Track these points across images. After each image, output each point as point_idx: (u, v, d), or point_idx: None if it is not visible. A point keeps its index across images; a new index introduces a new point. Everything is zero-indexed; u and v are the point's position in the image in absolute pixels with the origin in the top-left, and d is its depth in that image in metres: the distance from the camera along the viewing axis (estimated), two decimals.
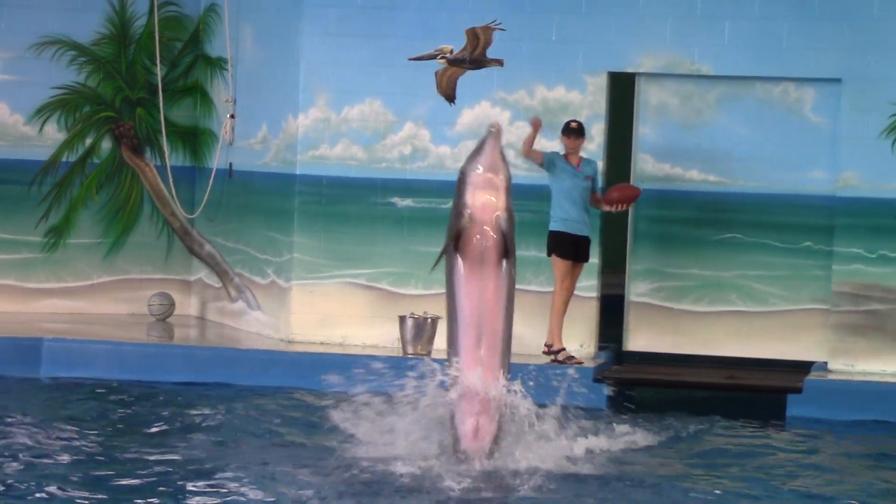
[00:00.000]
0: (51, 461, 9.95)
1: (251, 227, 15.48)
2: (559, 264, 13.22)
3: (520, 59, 13.89)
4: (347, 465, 9.95)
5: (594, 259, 13.98)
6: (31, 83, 16.01)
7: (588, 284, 14.00)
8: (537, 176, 13.82)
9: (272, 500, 8.95)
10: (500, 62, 13.42)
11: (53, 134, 16.15)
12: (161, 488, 9.26)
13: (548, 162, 13.33)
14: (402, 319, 13.71)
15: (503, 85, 14.08)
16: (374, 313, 14.37)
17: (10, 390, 12.94)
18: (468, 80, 13.49)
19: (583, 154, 13.69)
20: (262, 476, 9.53)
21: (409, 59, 13.68)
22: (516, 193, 13.29)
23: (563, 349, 13.21)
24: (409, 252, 14.39)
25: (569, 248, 13.30)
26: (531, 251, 13.67)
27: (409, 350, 13.62)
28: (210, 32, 16.31)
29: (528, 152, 13.17)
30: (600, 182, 13.83)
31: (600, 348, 13.96)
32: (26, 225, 16.00)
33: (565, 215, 13.21)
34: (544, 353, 13.38)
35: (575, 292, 13.83)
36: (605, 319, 14.35)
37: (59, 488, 9.04)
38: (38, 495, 8.92)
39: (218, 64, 16.10)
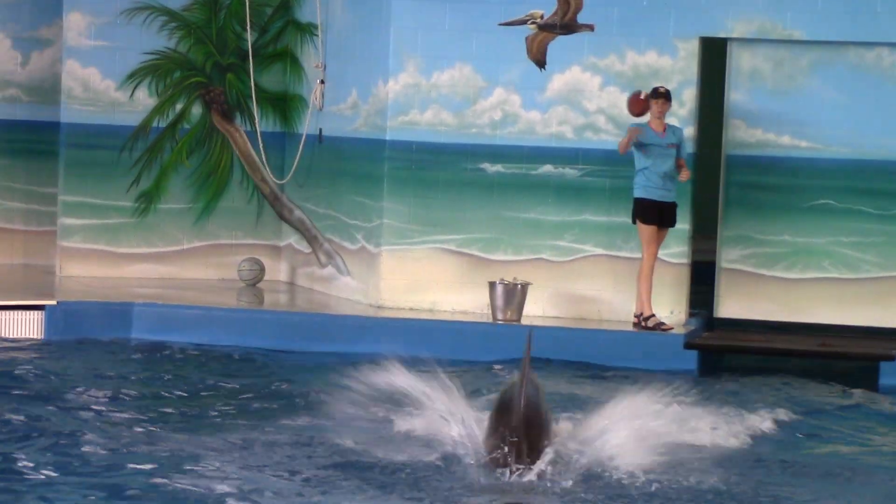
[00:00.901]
0: (138, 422, 10.25)
1: (341, 192, 15.67)
2: (644, 230, 13.46)
3: (611, 24, 14.17)
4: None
5: (685, 225, 14.14)
6: (122, 49, 16.28)
7: (679, 251, 14.15)
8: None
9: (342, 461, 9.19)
10: (591, 27, 13.90)
11: (144, 99, 16.42)
12: (242, 450, 9.52)
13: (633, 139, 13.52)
14: (491, 285, 13.89)
15: (594, 50, 14.21)
16: (463, 279, 14.54)
17: (101, 353, 13.17)
18: (559, 45, 14.29)
19: (672, 121, 13.79)
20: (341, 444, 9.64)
21: (500, 24, 14.31)
22: (603, 160, 13.89)
23: (653, 315, 13.46)
24: (499, 218, 14.53)
25: (653, 214, 13.53)
26: (620, 217, 13.87)
27: (499, 316, 13.78)
28: None
29: (624, 151, 13.40)
30: (689, 148, 13.91)
31: (691, 315, 14.08)
32: (117, 190, 16.28)
33: (648, 182, 13.46)
34: (634, 323, 13.61)
35: (666, 259, 13.97)
36: (695, 286, 14.36)
37: (146, 449, 9.31)
38: (127, 452, 9.22)
39: (308, 29, 16.28)
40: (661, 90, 13.54)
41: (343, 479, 8.90)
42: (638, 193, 13.55)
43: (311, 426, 10.34)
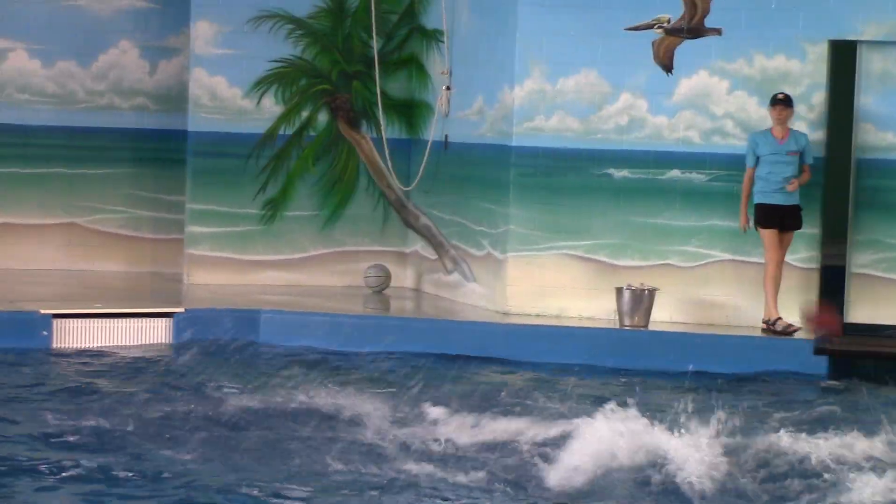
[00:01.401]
0: (264, 423, 10.37)
1: (467, 198, 15.75)
2: (765, 235, 13.66)
3: (738, 28, 14.23)
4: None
5: (814, 229, 14.15)
6: (248, 57, 16.47)
7: (808, 255, 14.19)
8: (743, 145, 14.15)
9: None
10: (718, 31, 14.05)
11: (271, 107, 16.57)
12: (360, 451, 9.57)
13: (750, 151, 13.70)
14: (618, 291, 13.99)
15: (721, 54, 14.27)
16: (590, 285, 14.58)
17: (228, 357, 13.17)
18: (686, 50, 14.48)
19: (800, 125, 13.91)
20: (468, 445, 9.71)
21: (626, 29, 14.46)
22: (731, 165, 13.96)
23: (780, 318, 13.59)
24: (626, 223, 14.61)
25: (773, 218, 13.69)
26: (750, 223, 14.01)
27: (626, 322, 13.91)
28: (425, 4, 16.63)
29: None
30: (818, 152, 13.95)
31: None
32: (244, 198, 16.49)
33: (766, 187, 13.64)
34: (763, 329, 13.69)
35: (795, 263, 14.04)
36: (825, 291, 14.16)
37: (272, 448, 9.49)
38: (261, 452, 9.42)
39: (433, 36, 16.41)
40: (780, 96, 13.69)
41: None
42: (757, 199, 13.73)
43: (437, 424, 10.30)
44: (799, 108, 14.08)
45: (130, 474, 9.18)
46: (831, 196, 14.26)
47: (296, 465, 9.35)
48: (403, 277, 16.79)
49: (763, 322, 13.76)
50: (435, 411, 10.87)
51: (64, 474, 8.93)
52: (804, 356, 13.28)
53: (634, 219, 14.60)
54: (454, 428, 10.25)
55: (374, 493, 8.99)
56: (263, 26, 16.47)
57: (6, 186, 17.07)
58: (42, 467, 9.17)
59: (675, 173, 14.60)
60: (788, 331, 13.52)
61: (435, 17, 16.28)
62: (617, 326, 14.05)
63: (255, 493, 8.74)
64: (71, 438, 9.84)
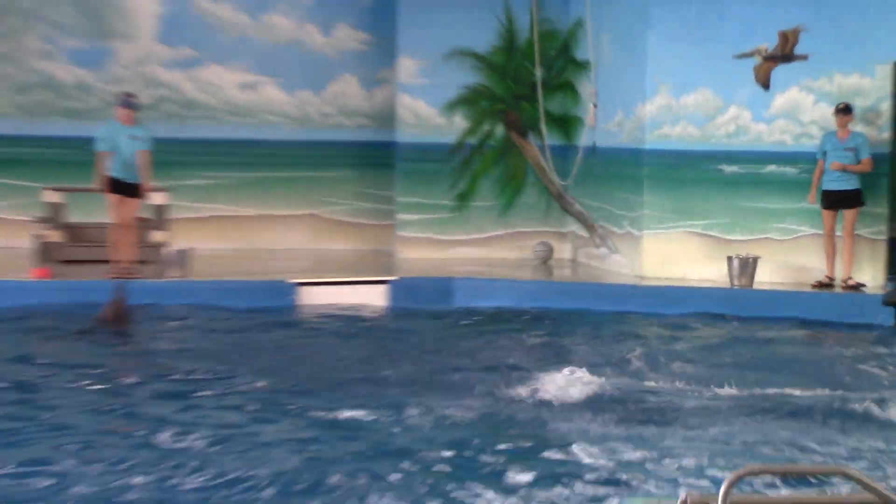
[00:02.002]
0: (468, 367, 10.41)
1: (610, 190, 15.90)
2: (824, 214, 13.96)
3: (822, 53, 14.32)
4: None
5: (883, 208, 14.22)
6: (442, 85, 16.88)
7: (877, 229, 14.28)
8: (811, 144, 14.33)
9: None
10: (805, 57, 14.32)
11: (459, 123, 17.04)
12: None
13: (820, 148, 14.00)
14: (729, 259, 14.14)
15: (808, 74, 14.44)
16: (707, 255, 14.69)
17: (430, 316, 13.43)
18: (780, 72, 14.63)
19: (863, 128, 14.13)
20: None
21: (734, 56, 14.60)
22: (815, 161, 13.97)
23: (832, 278, 13.91)
24: (734, 207, 14.77)
25: (828, 200, 13.97)
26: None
27: (735, 283, 14.03)
28: (577, 41, 16.82)
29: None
30: (882, 148, 14.04)
31: (889, 279, 14.06)
32: (440, 192, 17.01)
33: (828, 176, 13.94)
34: (842, 287, 13.80)
35: (867, 235, 14.15)
36: (893, 258, 14.27)
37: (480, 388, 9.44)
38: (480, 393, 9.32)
39: (583, 65, 16.59)
40: (841, 106, 13.90)
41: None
42: (822, 186, 13.98)
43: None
44: (868, 115, 14.29)
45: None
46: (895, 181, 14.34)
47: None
48: (563, 251, 17.11)
49: (842, 280, 13.87)
50: (582, 349, 11.34)
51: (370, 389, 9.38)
52: (875, 308, 13.26)
53: (741, 203, 14.75)
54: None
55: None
56: (453, 61, 16.88)
57: (262, 187, 17.57)
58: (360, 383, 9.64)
59: (772, 168, 14.73)
60: (859, 288, 13.74)
61: (584, 50, 16.41)
62: (728, 286, 14.16)
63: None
64: (350, 369, 10.26)
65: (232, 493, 6.95)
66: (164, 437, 8.00)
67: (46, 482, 7.06)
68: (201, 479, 7.17)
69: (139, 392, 9.45)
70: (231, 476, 7.18)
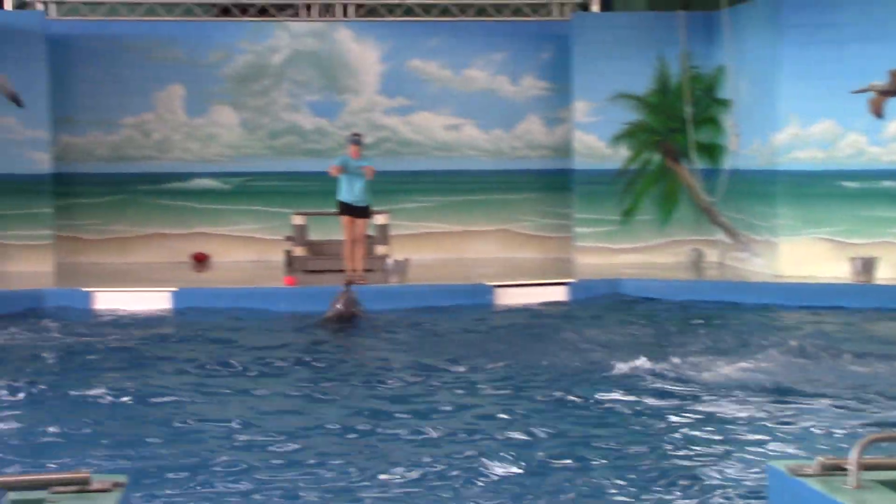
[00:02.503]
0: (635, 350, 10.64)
1: (750, 203, 15.91)
2: None
3: None
4: None
5: None
6: (610, 121, 17.12)
7: None
8: None
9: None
10: None
11: (623, 152, 17.23)
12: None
13: None
14: (852, 260, 14.34)
15: None
16: (833, 257, 14.68)
17: (599, 306, 13.67)
18: (891, 103, 14.72)
19: None
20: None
21: (852, 92, 14.71)
22: None
23: None
24: (855, 216, 14.80)
25: None
26: None
27: (858, 280, 14.16)
28: (719, 82, 16.89)
29: None
30: None
31: None
32: (609, 209, 17.18)
33: None
34: None
35: None
36: None
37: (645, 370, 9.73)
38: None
39: (725, 102, 16.74)
40: None
41: None
42: None
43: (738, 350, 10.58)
44: None
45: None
46: None
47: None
48: (712, 255, 17.04)
49: None
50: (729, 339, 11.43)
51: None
52: None
53: (860, 213, 14.81)
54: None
55: None
56: (618, 102, 17.09)
57: (463, 208, 17.91)
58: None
59: (886, 183, 14.80)
60: None
61: (725, 90, 16.64)
62: (852, 282, 14.24)
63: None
64: (546, 353, 10.54)
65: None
66: (448, 406, 8.62)
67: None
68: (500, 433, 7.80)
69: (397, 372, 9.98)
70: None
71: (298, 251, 15.76)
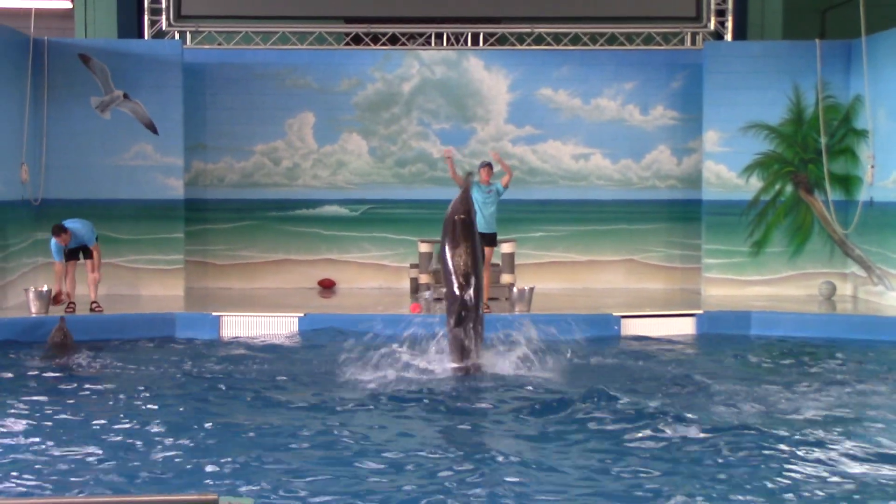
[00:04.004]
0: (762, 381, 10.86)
1: (886, 236, 15.90)
2: None
3: None
4: None
5: None
6: (740, 152, 17.15)
7: None
8: None
9: None
10: None
11: (755, 183, 17.21)
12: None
13: None
14: None
15: None
16: None
17: (730, 343, 13.51)
18: None
19: None
20: None
21: None
22: None
23: None
24: None
25: None
26: None
27: None
28: (856, 113, 16.85)
29: None
30: None
31: None
32: (738, 240, 17.18)
33: None
34: None
35: None
36: None
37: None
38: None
39: (862, 133, 16.70)
40: None
41: None
42: None
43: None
44: None
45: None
46: None
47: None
48: (845, 289, 17.07)
49: None
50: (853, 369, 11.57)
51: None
52: None
53: None
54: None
55: None
56: (749, 132, 17.15)
57: (590, 237, 18.05)
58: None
59: None
60: None
61: (862, 120, 16.61)
62: None
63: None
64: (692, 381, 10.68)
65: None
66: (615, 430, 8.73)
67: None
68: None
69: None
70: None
71: (424, 278, 16.09)
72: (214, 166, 18.35)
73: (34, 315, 14.54)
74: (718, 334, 14.24)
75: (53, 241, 14.69)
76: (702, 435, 8.65)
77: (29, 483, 7.56)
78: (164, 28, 18.37)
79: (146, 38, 18.23)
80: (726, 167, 17.27)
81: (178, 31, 18.43)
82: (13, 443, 8.75)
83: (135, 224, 17.25)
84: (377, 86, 18.32)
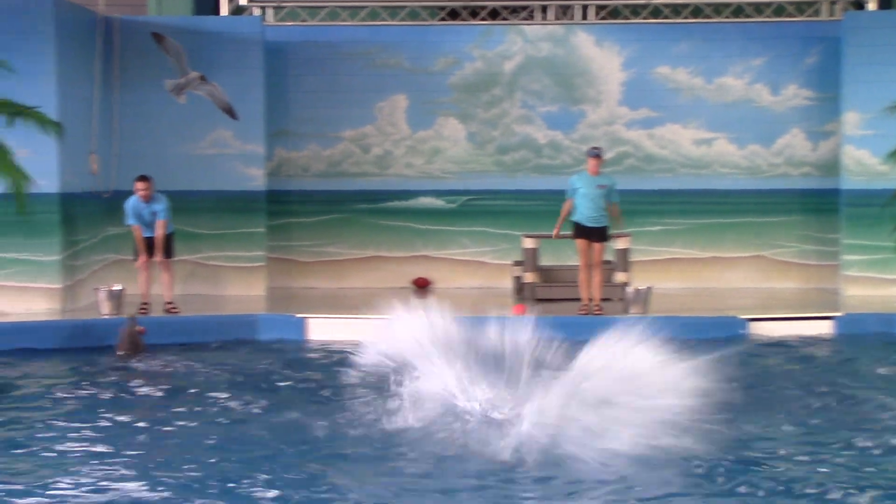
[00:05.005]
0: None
1: None
2: None
3: None
4: None
5: None
6: (886, 135, 16.69)
7: None
8: None
9: None
10: None
11: None
12: None
13: None
14: None
15: None
16: None
17: (876, 349, 13.42)
18: None
19: None
20: None
21: None
22: None
23: None
24: None
25: None
26: None
27: None
28: None
29: None
30: None
31: None
32: (883, 234, 16.66)
33: None
34: None
35: None
36: None
37: None
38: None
39: None
40: None
41: None
42: None
43: None
44: None
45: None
46: None
47: None
48: None
49: None
50: None
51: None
52: None
53: None
54: None
55: None
56: None
57: (713, 231, 17.94)
58: None
59: None
60: None
61: None
62: None
63: None
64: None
65: None
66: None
67: None
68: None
69: None
70: None
71: (529, 277, 15.99)
72: (298, 154, 18.31)
73: (105, 316, 14.62)
74: (861, 339, 14.02)
75: (131, 198, 14.87)
76: None
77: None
78: (243, 4, 18.31)
79: (224, 14, 18.19)
80: (869, 152, 17.10)
81: (259, 7, 18.34)
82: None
83: (213, 218, 17.29)
84: (476, 65, 18.25)
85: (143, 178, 14.92)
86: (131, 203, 14.94)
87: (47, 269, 15.32)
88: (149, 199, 14.92)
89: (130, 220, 14.97)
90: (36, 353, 13.45)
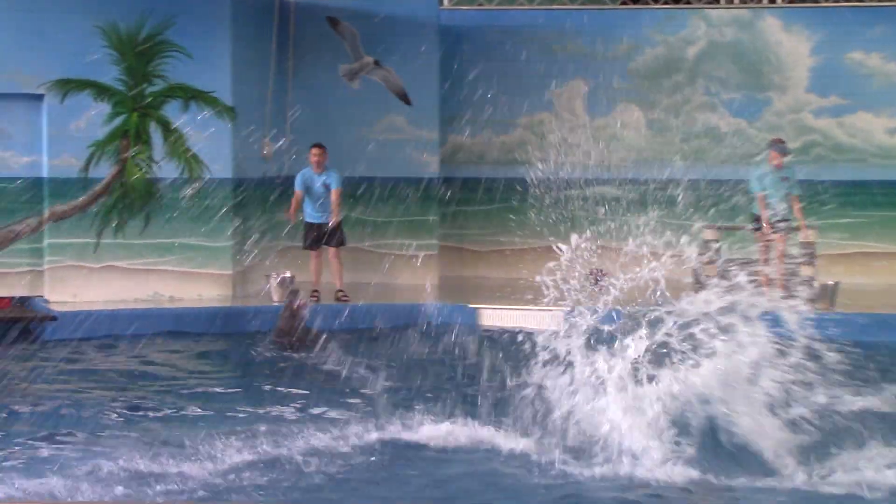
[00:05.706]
0: None
1: None
2: None
3: None
4: None
5: None
6: None
7: None
8: None
9: None
10: None
11: None
12: None
13: None
14: None
15: None
16: None
17: None
18: None
19: None
20: None
21: None
22: None
23: None
24: None
25: None
26: None
27: None
28: None
29: None
30: None
31: None
32: None
33: None
34: None
35: None
36: None
37: None
38: None
39: None
40: None
41: None
42: None
43: None
44: None
45: None
46: None
47: None
48: None
49: None
50: None
51: None
52: None
53: None
54: None
55: None
56: None
57: (868, 224, 17.95)
58: None
59: None
60: None
61: None
62: None
63: None
64: None
65: None
66: None
67: None
68: None
69: None
70: None
71: (709, 270, 15.84)
72: (472, 141, 18.54)
73: (277, 303, 14.87)
74: None
75: (303, 170, 15.48)
76: None
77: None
78: None
79: None
80: None
81: None
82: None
83: (384, 205, 17.49)
84: (657, 50, 18.34)
85: (318, 145, 15.40)
86: (303, 174, 15.43)
87: (219, 254, 15.76)
88: (321, 168, 15.25)
89: (298, 188, 15.43)
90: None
